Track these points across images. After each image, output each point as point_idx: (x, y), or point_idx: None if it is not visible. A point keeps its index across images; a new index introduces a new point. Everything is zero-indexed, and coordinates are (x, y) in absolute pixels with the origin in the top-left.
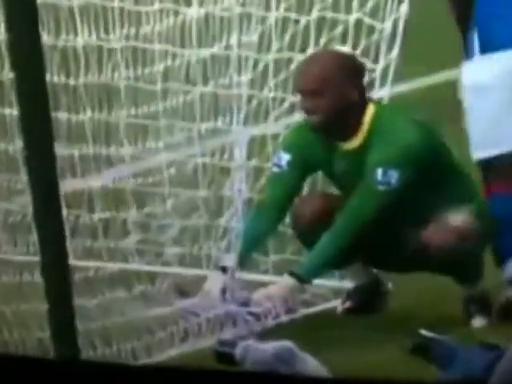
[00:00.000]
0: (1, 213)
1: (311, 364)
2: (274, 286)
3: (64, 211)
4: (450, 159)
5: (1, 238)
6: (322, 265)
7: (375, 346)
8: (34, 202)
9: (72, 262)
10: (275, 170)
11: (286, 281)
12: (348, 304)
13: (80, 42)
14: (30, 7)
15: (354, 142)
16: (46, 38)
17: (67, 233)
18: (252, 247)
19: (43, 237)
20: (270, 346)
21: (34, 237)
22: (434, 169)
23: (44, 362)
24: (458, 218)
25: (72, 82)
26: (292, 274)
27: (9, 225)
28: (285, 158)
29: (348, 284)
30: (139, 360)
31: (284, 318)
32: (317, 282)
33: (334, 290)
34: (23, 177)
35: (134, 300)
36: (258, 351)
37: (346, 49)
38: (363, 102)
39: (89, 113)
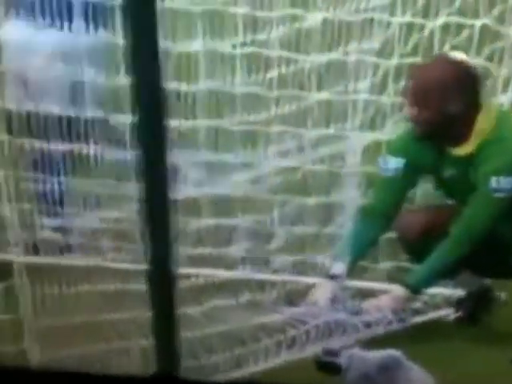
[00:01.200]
0: (110, 221)
1: (418, 375)
2: (385, 296)
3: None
4: None
5: (107, 245)
6: (437, 275)
7: (481, 357)
8: (144, 210)
9: (179, 269)
10: (384, 175)
11: (398, 291)
12: (460, 313)
13: (197, 47)
14: (151, 12)
15: (466, 148)
16: (163, 44)
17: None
18: (360, 254)
19: (151, 244)
20: (376, 355)
21: (139, 245)
22: None
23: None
24: None
25: (185, 87)
26: (404, 284)
27: (115, 233)
28: (394, 163)
29: (458, 292)
30: (243, 368)
31: (394, 327)
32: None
33: (444, 298)
34: (133, 185)
35: (240, 308)
36: (363, 360)
37: (462, 56)
38: (475, 111)
39: (201, 119)
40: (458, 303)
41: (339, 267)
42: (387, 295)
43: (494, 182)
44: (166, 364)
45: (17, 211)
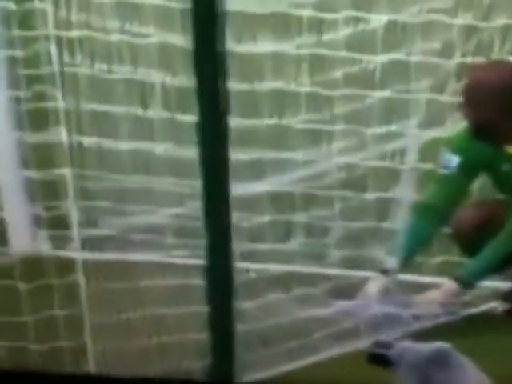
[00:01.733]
0: (172, 217)
1: (469, 370)
2: (435, 291)
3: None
4: None
5: (169, 242)
6: (488, 269)
7: None
8: (205, 207)
9: (236, 264)
10: (444, 171)
11: (449, 285)
12: (507, 305)
13: (263, 48)
14: (216, 15)
15: None
16: (229, 45)
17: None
18: (414, 250)
19: (211, 240)
20: (426, 347)
21: (199, 241)
22: None
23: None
24: None
25: (249, 87)
26: (456, 278)
27: (177, 229)
28: (454, 160)
29: (507, 285)
30: (297, 361)
31: (443, 320)
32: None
33: (492, 290)
34: (195, 182)
35: (294, 301)
36: (414, 352)
37: None
38: None
39: (265, 118)
40: (506, 296)
41: (392, 262)
42: (437, 289)
43: None
44: (222, 357)
45: (78, 208)
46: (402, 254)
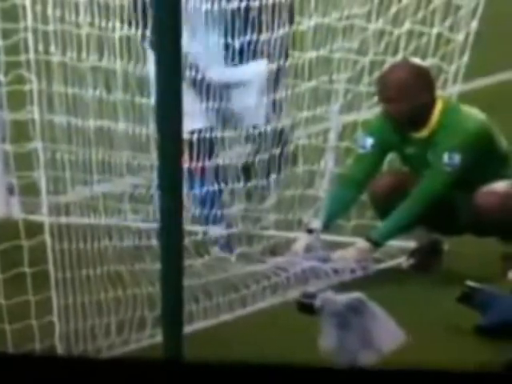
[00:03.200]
0: (130, 186)
1: (379, 314)
2: (351, 248)
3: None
4: (498, 143)
5: (126, 208)
6: (396, 231)
7: (431, 298)
8: (159, 177)
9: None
10: (360, 151)
11: (362, 244)
12: (411, 261)
13: None
14: None
15: (424, 132)
16: None
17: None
18: (336, 214)
19: (164, 206)
20: (344, 297)
21: (153, 207)
22: (487, 151)
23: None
24: (503, 184)
25: None
26: (368, 238)
27: (134, 197)
28: (369, 141)
29: (412, 244)
30: (235, 311)
31: (358, 274)
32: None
33: (400, 249)
34: (152, 155)
35: (235, 259)
36: (334, 301)
37: (418, 60)
38: (433, 101)
39: None
40: (411, 253)
41: (316, 223)
42: (353, 247)
43: (445, 157)
44: (172, 308)
45: (47, 178)
46: (325, 217)
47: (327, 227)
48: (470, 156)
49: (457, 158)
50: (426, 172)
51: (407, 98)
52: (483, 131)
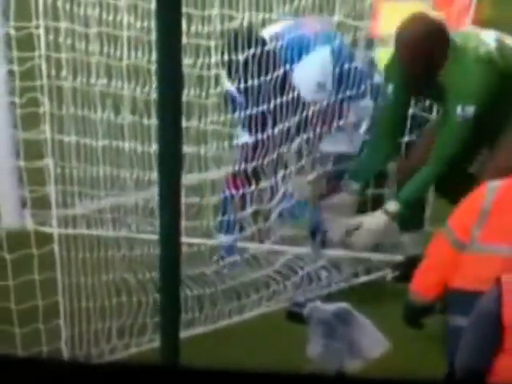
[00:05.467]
0: (133, 200)
1: (365, 323)
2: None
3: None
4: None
5: (130, 220)
6: (421, 191)
7: None
8: (160, 192)
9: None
10: (383, 103)
11: (392, 206)
12: (396, 273)
13: None
14: None
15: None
16: None
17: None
18: (373, 169)
19: (164, 219)
20: (332, 306)
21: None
22: (498, 99)
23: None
24: None
25: None
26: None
27: (137, 210)
28: (389, 87)
29: (397, 257)
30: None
31: (344, 286)
32: (373, 255)
33: (384, 261)
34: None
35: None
36: (322, 310)
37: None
38: (446, 55)
39: None
40: (395, 266)
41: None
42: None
43: (459, 110)
44: (171, 315)
45: (57, 192)
46: (363, 175)
47: (367, 185)
48: (482, 106)
49: (470, 110)
50: (441, 129)
51: (421, 56)
52: (493, 78)
